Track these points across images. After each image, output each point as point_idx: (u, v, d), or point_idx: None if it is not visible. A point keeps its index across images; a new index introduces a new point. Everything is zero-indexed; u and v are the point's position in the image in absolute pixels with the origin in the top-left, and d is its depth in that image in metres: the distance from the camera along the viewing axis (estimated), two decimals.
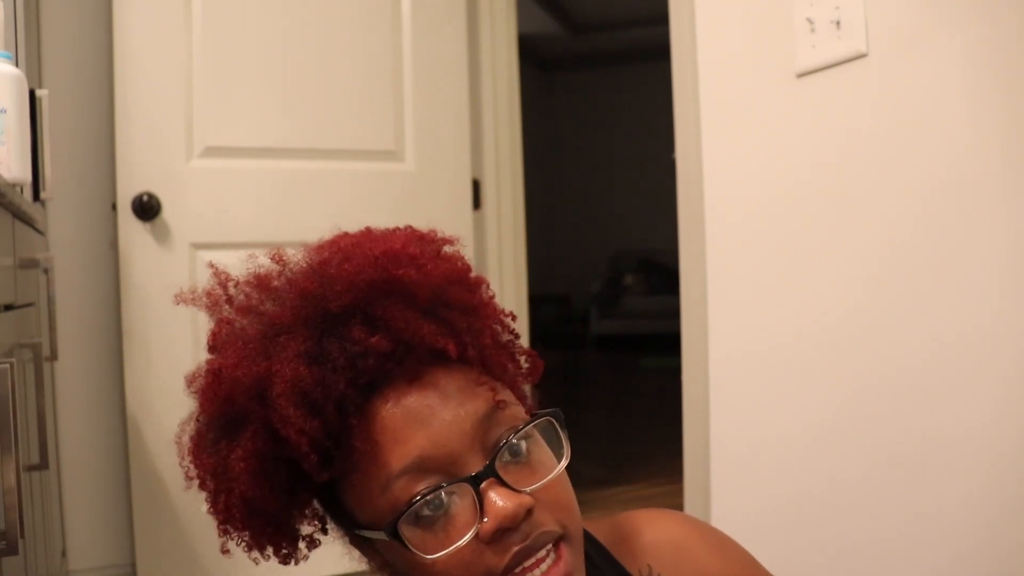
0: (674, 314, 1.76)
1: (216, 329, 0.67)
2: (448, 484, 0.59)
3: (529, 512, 0.60)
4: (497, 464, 0.60)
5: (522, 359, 0.71)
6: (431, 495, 0.59)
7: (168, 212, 2.18)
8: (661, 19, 1.78)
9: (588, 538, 0.75)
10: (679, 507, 1.70)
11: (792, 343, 1.42)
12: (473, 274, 0.69)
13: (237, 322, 0.66)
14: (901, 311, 1.22)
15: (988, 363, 1.10)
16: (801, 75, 1.36)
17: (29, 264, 1.37)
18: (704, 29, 1.58)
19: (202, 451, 0.66)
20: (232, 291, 0.69)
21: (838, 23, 1.27)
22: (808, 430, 1.39)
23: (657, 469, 3.25)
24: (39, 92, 1.57)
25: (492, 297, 0.69)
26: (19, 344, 1.19)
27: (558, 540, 0.62)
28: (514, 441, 0.62)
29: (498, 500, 0.59)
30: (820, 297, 1.36)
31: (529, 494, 0.60)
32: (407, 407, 0.61)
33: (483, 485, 0.59)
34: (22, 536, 0.88)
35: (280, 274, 0.67)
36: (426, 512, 0.60)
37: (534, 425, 0.63)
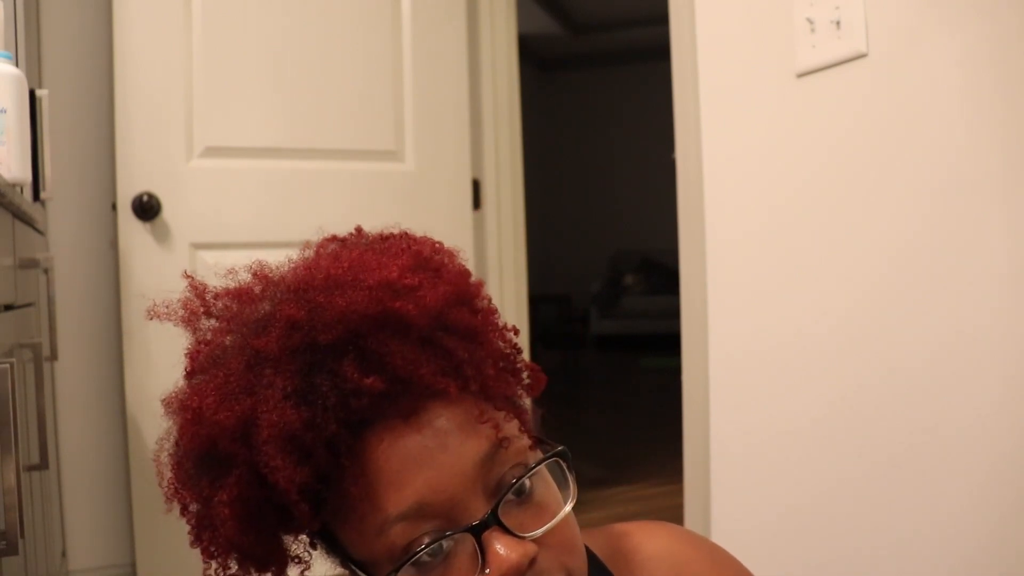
0: (674, 314, 1.76)
1: (194, 350, 0.62)
2: (449, 534, 0.56)
3: (533, 561, 0.56)
4: (500, 509, 0.57)
5: (524, 374, 0.67)
6: (430, 545, 0.56)
7: (168, 212, 2.18)
8: (661, 19, 1.78)
9: (587, 555, 0.75)
10: (679, 507, 1.70)
11: (792, 343, 1.42)
12: (473, 283, 0.64)
13: (217, 345, 0.61)
14: (901, 310, 1.22)
15: (988, 363, 1.10)
16: (801, 75, 1.36)
17: (29, 264, 1.37)
18: (704, 29, 1.58)
19: (183, 484, 0.60)
20: (211, 304, 0.64)
21: (838, 23, 1.27)
22: (808, 430, 1.39)
23: (657, 469, 3.25)
24: (39, 92, 1.58)
25: (493, 311, 0.65)
26: (19, 344, 1.19)
27: None
28: (514, 491, 0.58)
29: (501, 550, 0.55)
30: (820, 297, 1.36)
31: (534, 540, 0.57)
32: (404, 449, 0.56)
33: (485, 533, 0.56)
34: (22, 536, 0.88)
35: (263, 292, 0.62)
36: (425, 559, 0.56)
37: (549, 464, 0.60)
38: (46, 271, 1.63)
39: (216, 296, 0.64)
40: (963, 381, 1.13)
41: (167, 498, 0.62)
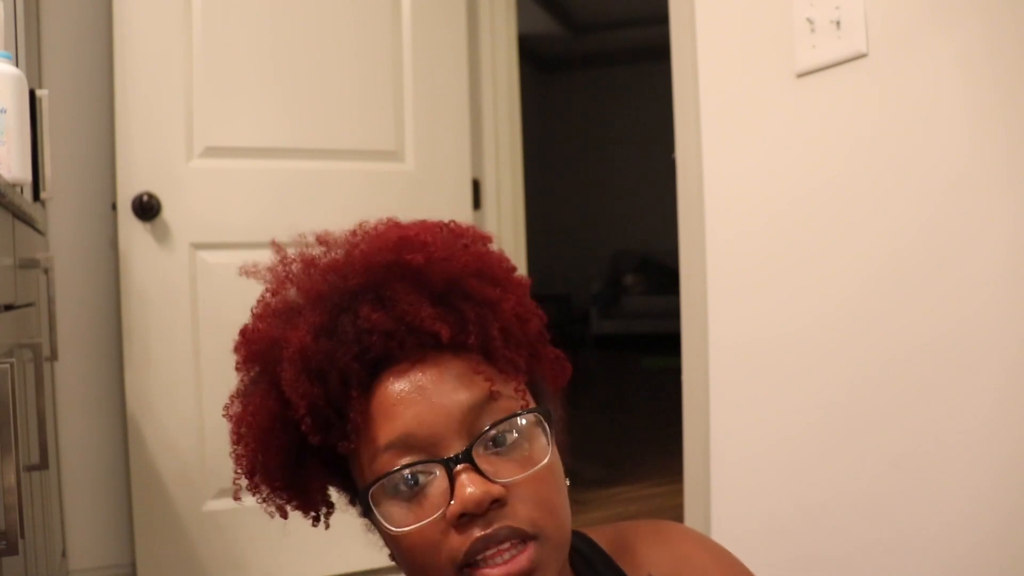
0: (674, 314, 1.76)
1: (259, 299, 0.71)
2: (423, 463, 0.62)
3: (498, 502, 0.60)
4: (478, 452, 0.62)
5: (550, 362, 0.72)
6: (406, 470, 0.61)
7: (168, 212, 2.18)
8: (661, 19, 1.78)
9: (591, 545, 0.76)
10: (679, 507, 1.70)
11: (792, 343, 1.42)
12: (503, 266, 0.70)
13: (279, 294, 0.70)
14: (902, 309, 1.22)
15: (988, 363, 1.10)
16: (801, 75, 1.36)
17: (29, 264, 1.37)
18: (704, 29, 1.58)
19: (234, 402, 0.71)
20: (290, 267, 0.72)
21: (838, 23, 1.27)
22: (808, 430, 1.39)
23: (657, 469, 3.25)
24: (39, 92, 1.57)
25: (528, 302, 0.71)
26: (19, 344, 1.19)
27: (527, 539, 0.61)
28: (494, 432, 0.62)
29: (468, 486, 0.60)
30: (820, 296, 1.36)
31: (503, 485, 0.61)
32: (402, 386, 0.63)
33: (458, 468, 0.61)
34: (22, 536, 0.88)
35: (325, 254, 0.71)
36: (402, 488, 0.62)
37: (533, 423, 0.64)
38: (46, 271, 1.62)
39: (293, 262, 0.72)
40: (963, 381, 1.13)
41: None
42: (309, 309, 0.66)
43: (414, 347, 0.64)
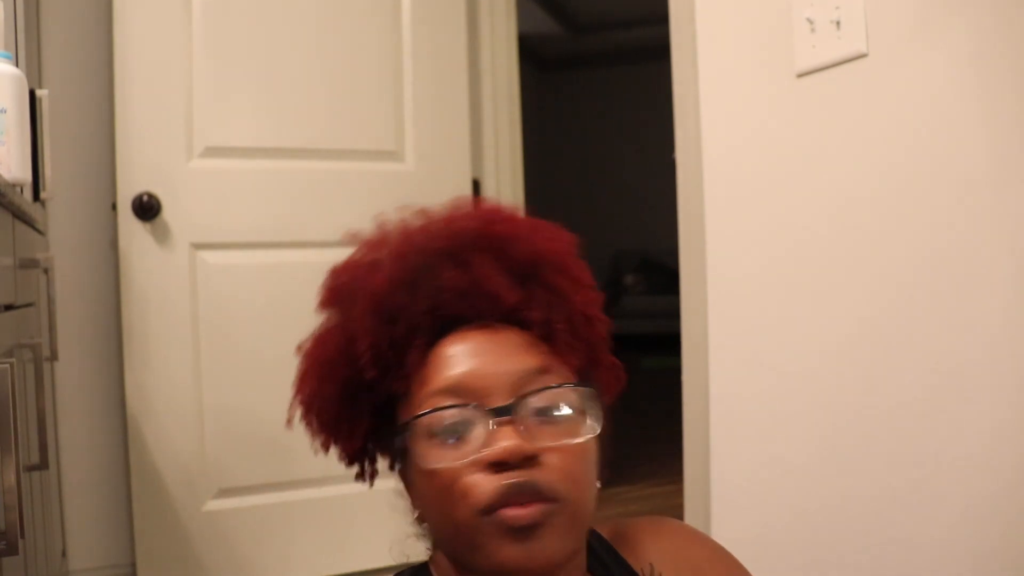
0: (674, 314, 1.76)
1: (350, 256, 0.76)
2: (467, 406, 0.65)
3: (529, 460, 0.63)
4: (521, 413, 0.65)
5: (606, 368, 0.75)
6: (451, 409, 0.65)
7: (168, 212, 2.18)
8: (661, 19, 1.78)
9: (594, 535, 0.77)
10: (679, 507, 1.70)
11: (792, 342, 1.42)
12: (581, 268, 0.75)
13: (377, 248, 0.75)
14: (903, 307, 1.22)
15: (990, 362, 1.10)
16: (801, 75, 1.36)
17: (29, 264, 1.37)
18: (704, 29, 1.58)
19: (308, 337, 0.74)
20: (387, 232, 0.76)
21: (838, 23, 1.27)
22: (809, 430, 1.39)
23: (657, 469, 3.25)
24: (39, 92, 1.57)
25: (598, 307, 0.75)
26: (19, 344, 1.19)
27: (546, 500, 0.63)
28: (541, 398, 0.66)
29: (504, 437, 0.63)
30: (821, 296, 1.36)
31: (537, 449, 0.64)
32: (463, 343, 0.68)
33: (499, 420, 0.64)
34: (22, 536, 0.88)
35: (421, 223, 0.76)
36: (442, 428, 0.65)
37: (581, 402, 0.68)
38: (46, 271, 1.62)
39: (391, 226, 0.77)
40: (964, 378, 1.13)
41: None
42: (390, 262, 0.71)
43: (483, 313, 0.69)
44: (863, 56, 1.24)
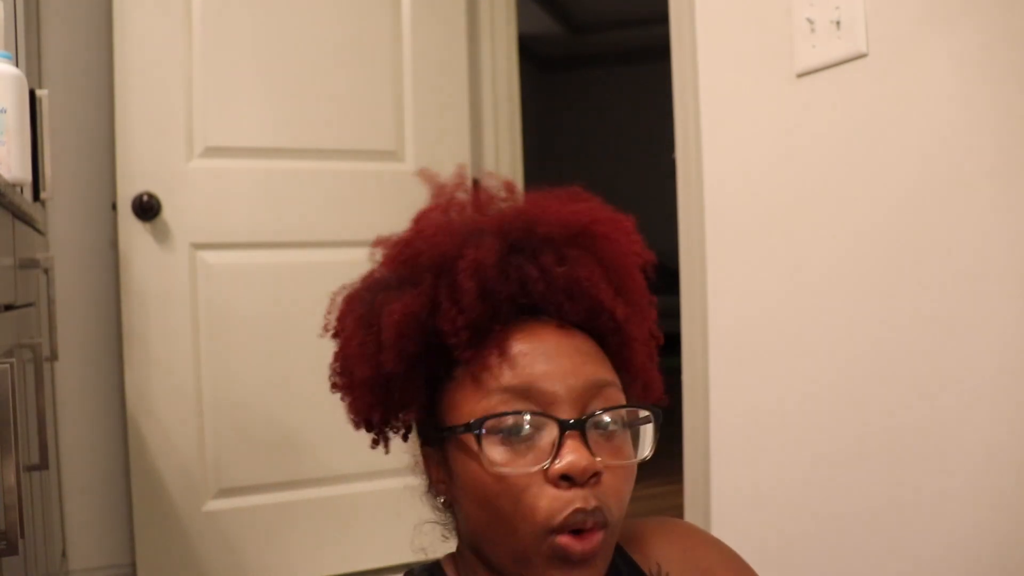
0: (674, 314, 1.76)
1: (425, 210, 0.73)
2: (540, 413, 0.64)
3: (595, 477, 0.64)
4: (590, 427, 0.65)
5: (648, 382, 0.75)
6: (523, 416, 0.64)
7: (168, 212, 2.18)
8: (661, 19, 1.78)
9: None
10: (679, 507, 1.70)
11: (792, 342, 1.42)
12: (651, 295, 0.76)
13: (451, 211, 0.73)
14: (902, 309, 1.22)
15: (989, 360, 1.10)
16: (801, 75, 1.36)
17: (29, 264, 1.37)
18: (704, 29, 1.57)
19: (357, 302, 0.72)
20: (459, 193, 0.75)
21: (838, 23, 1.27)
22: (809, 430, 1.39)
23: (657, 469, 3.24)
24: (39, 92, 1.57)
25: (657, 330, 0.76)
26: (19, 344, 1.19)
27: (604, 525, 0.64)
28: (607, 419, 0.66)
29: (574, 452, 0.63)
30: (820, 296, 1.36)
31: (602, 466, 0.64)
32: (542, 342, 0.67)
33: (567, 432, 0.64)
34: (22, 536, 0.88)
35: (505, 194, 0.75)
36: (510, 431, 0.64)
37: (643, 422, 0.69)
38: (46, 271, 1.62)
39: (465, 191, 0.76)
40: (964, 379, 1.13)
41: (325, 328, 0.74)
42: (491, 236, 0.68)
43: (564, 311, 0.68)
44: (863, 56, 1.24)
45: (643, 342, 0.73)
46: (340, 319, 0.73)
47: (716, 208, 1.57)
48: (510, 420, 0.64)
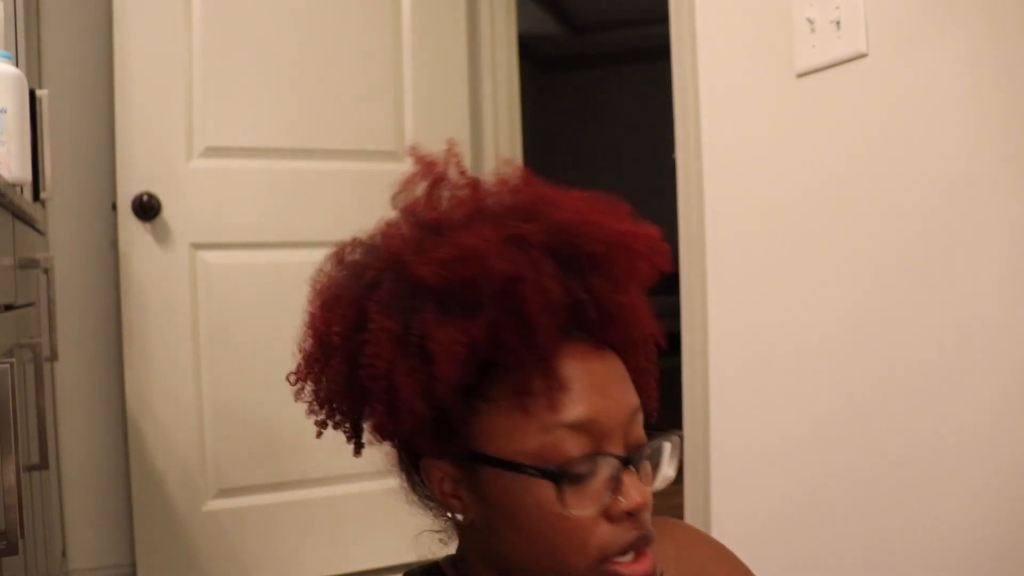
0: (674, 314, 1.76)
1: (445, 206, 0.69)
2: (608, 455, 0.64)
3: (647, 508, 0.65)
4: (642, 460, 0.66)
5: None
6: (594, 459, 0.63)
7: (168, 212, 2.18)
8: (661, 19, 1.78)
9: None
10: (679, 507, 1.70)
11: (792, 343, 1.42)
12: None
13: (481, 212, 0.67)
14: (902, 309, 1.22)
15: (989, 362, 1.10)
16: (801, 75, 1.36)
17: (29, 264, 1.37)
18: (704, 29, 1.57)
19: (382, 309, 0.65)
20: (454, 175, 0.71)
21: (838, 23, 1.27)
22: (809, 430, 1.39)
23: None
24: (39, 92, 1.57)
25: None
26: (19, 344, 1.19)
27: (649, 543, 0.66)
28: (662, 437, 0.68)
29: (634, 487, 0.64)
30: (821, 296, 1.36)
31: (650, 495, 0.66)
32: (593, 370, 0.65)
33: (625, 470, 0.64)
34: (22, 536, 0.88)
35: (522, 190, 0.70)
36: (581, 475, 0.63)
37: (676, 444, 0.69)
38: (46, 271, 1.62)
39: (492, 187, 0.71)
40: (964, 381, 1.13)
41: (310, 325, 0.70)
42: (540, 252, 0.64)
43: (606, 332, 0.67)
44: (863, 56, 1.24)
45: (654, 362, 0.74)
46: (344, 322, 0.67)
47: (716, 208, 1.57)
48: (585, 465, 0.63)
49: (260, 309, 2.24)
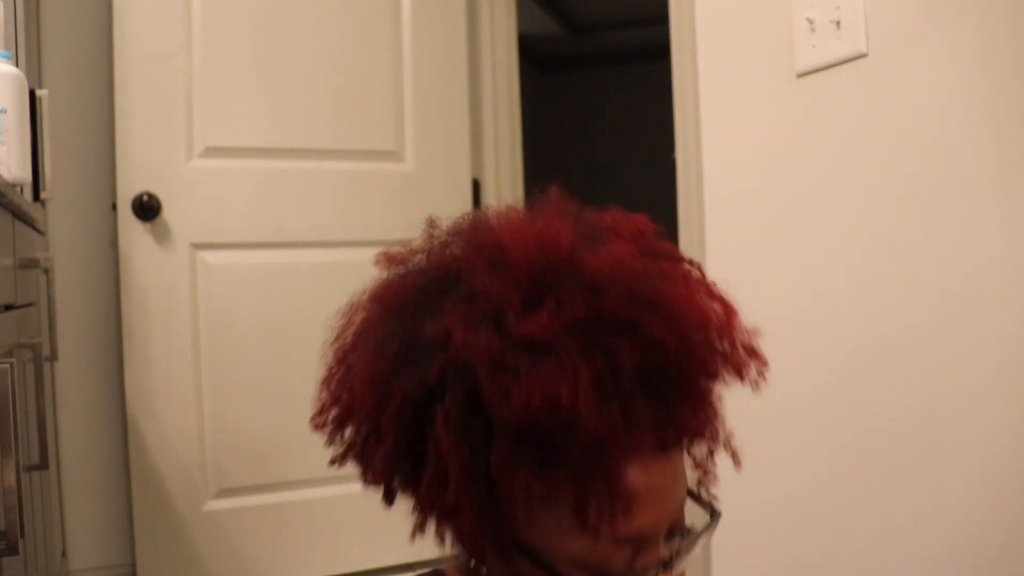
0: None
1: (562, 305, 0.59)
2: (654, 566, 0.61)
3: None
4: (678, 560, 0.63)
5: None
6: (639, 567, 0.61)
7: (168, 212, 2.18)
8: (661, 19, 1.78)
9: None
10: None
11: (792, 343, 1.42)
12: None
13: (580, 325, 0.58)
14: (902, 307, 1.22)
15: (989, 360, 1.10)
16: (801, 75, 1.36)
17: (29, 264, 1.37)
18: (704, 29, 1.57)
19: (456, 430, 0.58)
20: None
21: (838, 23, 1.27)
22: (808, 429, 1.39)
23: None
24: (39, 92, 1.57)
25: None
26: (19, 344, 1.19)
27: None
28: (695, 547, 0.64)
29: None
30: (821, 296, 1.36)
31: None
32: (654, 481, 0.60)
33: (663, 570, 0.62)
34: (22, 536, 0.88)
35: (604, 274, 0.61)
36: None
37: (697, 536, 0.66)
38: (46, 271, 1.62)
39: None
40: (963, 377, 1.13)
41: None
42: (633, 387, 0.58)
43: (663, 435, 0.61)
44: (863, 56, 1.24)
45: (716, 435, 0.72)
46: (403, 418, 0.60)
47: (716, 208, 1.57)
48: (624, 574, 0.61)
49: (260, 309, 2.24)
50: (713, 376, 0.65)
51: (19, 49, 1.77)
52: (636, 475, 0.59)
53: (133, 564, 2.18)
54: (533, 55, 7.20)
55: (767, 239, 1.47)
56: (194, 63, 2.19)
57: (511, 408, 0.56)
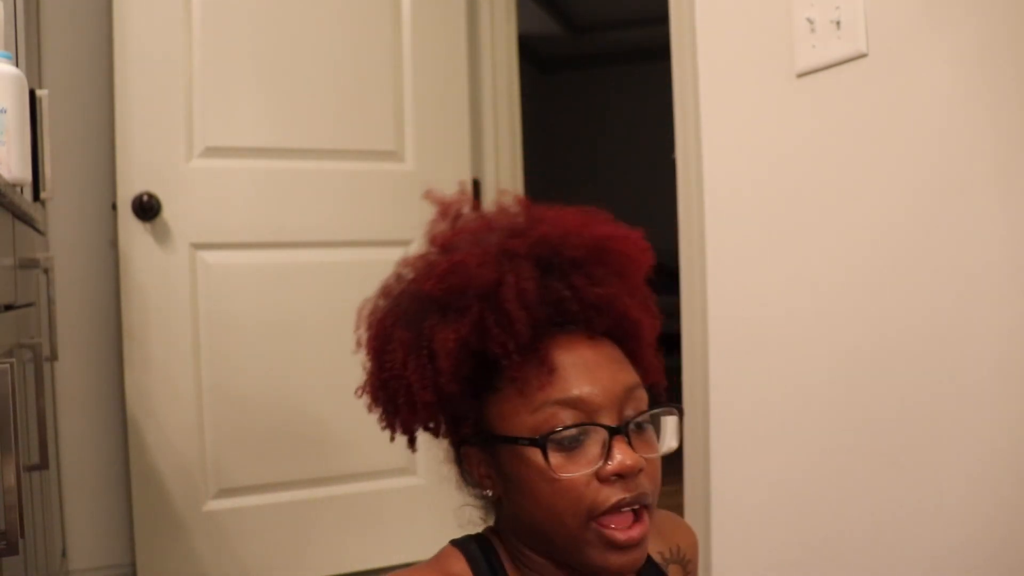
0: (674, 314, 1.76)
1: (454, 232, 0.80)
2: (595, 424, 0.73)
3: (639, 471, 0.73)
4: (629, 429, 0.74)
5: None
6: (580, 427, 0.73)
7: (168, 212, 2.18)
8: (661, 19, 1.78)
9: None
10: (679, 507, 1.70)
11: (793, 343, 1.42)
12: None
13: (480, 235, 0.79)
14: (901, 307, 1.22)
15: (989, 359, 1.10)
16: (801, 75, 1.36)
17: (29, 264, 1.37)
18: (704, 29, 1.57)
19: (398, 326, 0.78)
20: (466, 210, 0.82)
21: (838, 23, 1.27)
22: (810, 430, 1.39)
23: None
24: (39, 92, 1.57)
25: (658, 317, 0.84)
26: (19, 344, 1.19)
27: (646, 507, 0.74)
28: (645, 420, 0.75)
29: (622, 452, 0.72)
30: (821, 296, 1.36)
31: (644, 462, 0.73)
32: (583, 357, 0.75)
33: (615, 437, 0.73)
34: (22, 536, 0.88)
35: (520, 214, 0.81)
36: (567, 441, 0.72)
37: (670, 417, 0.78)
38: (46, 271, 1.62)
39: (477, 207, 0.83)
40: (962, 377, 1.13)
41: (359, 343, 0.81)
42: (525, 261, 0.75)
43: (593, 324, 0.76)
44: (863, 56, 1.24)
45: (652, 342, 0.82)
46: (378, 339, 0.79)
47: (716, 208, 1.57)
48: (571, 432, 0.72)
49: (260, 309, 2.24)
50: (603, 259, 0.78)
51: (19, 49, 1.77)
52: (560, 353, 0.75)
53: (133, 564, 2.18)
54: (533, 55, 7.20)
55: (767, 239, 1.47)
56: (194, 63, 2.19)
57: (431, 280, 0.76)
